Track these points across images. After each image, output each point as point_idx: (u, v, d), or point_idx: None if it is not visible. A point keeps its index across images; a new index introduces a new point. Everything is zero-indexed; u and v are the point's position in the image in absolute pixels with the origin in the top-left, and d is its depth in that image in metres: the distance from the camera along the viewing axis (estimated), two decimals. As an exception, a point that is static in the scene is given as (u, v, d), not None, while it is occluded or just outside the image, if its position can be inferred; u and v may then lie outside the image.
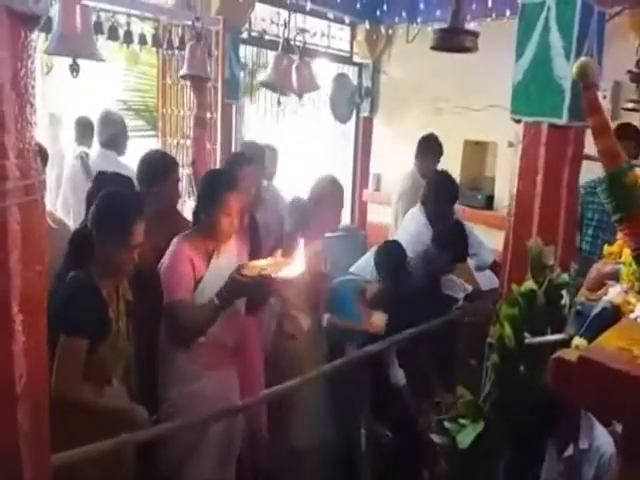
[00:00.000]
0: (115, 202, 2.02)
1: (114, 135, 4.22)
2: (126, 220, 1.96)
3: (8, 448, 1.00)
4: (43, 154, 2.61)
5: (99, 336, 1.92)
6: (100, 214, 1.99)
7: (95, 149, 4.30)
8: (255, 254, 2.64)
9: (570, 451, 2.14)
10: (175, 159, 3.02)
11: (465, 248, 3.13)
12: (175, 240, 2.40)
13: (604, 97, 4.16)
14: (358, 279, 3.29)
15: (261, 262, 2.25)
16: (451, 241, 3.09)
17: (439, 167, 3.78)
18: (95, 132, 4.29)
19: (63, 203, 4.16)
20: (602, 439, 2.18)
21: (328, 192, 2.94)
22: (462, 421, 1.66)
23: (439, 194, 3.52)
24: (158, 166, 2.77)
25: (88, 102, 5.46)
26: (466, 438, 1.62)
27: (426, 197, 3.58)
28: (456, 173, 5.08)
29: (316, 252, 2.82)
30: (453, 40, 3.07)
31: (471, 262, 3.63)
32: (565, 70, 1.96)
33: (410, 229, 3.51)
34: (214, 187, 2.39)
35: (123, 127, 4.35)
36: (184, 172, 4.69)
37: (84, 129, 4.42)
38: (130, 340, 2.11)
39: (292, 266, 2.17)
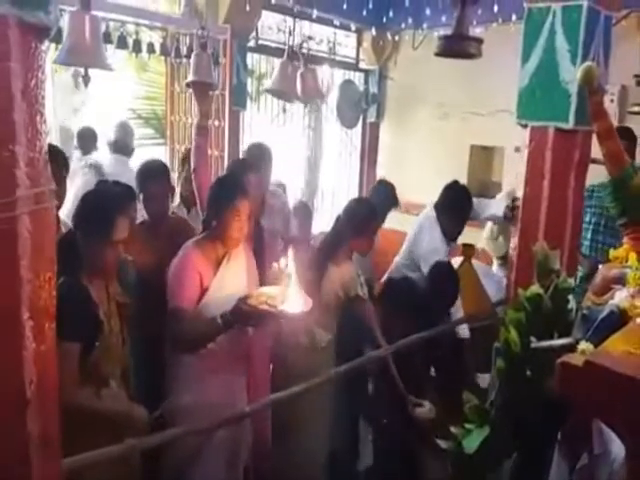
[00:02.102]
0: (95, 198, 2.04)
1: (128, 142, 4.45)
2: (107, 215, 1.96)
3: (18, 453, 1.01)
4: (64, 161, 2.65)
5: (91, 339, 1.92)
6: (82, 212, 2.00)
7: (106, 156, 4.38)
8: (258, 261, 2.65)
9: (585, 460, 2.11)
10: (161, 166, 3.06)
11: (456, 292, 3.08)
12: (185, 246, 2.41)
13: (611, 101, 4.16)
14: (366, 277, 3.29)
15: (270, 290, 2.24)
16: (443, 286, 3.04)
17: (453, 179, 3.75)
18: (111, 139, 4.44)
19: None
20: (615, 443, 2.15)
21: (368, 219, 2.94)
22: (468, 426, 1.66)
23: (454, 209, 3.49)
24: (140, 175, 2.91)
25: (97, 111, 5.53)
26: (472, 443, 1.62)
27: (441, 207, 3.52)
28: (463, 178, 5.10)
29: (350, 275, 2.82)
30: (457, 46, 3.08)
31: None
32: (571, 74, 1.97)
33: (423, 228, 3.52)
34: (225, 193, 2.41)
35: (133, 134, 4.60)
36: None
37: (88, 139, 4.51)
38: (125, 341, 2.11)
39: (299, 301, 2.16)
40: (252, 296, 2.17)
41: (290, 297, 2.14)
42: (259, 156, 3.44)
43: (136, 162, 4.28)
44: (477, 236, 4.15)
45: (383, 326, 2.83)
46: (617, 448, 2.14)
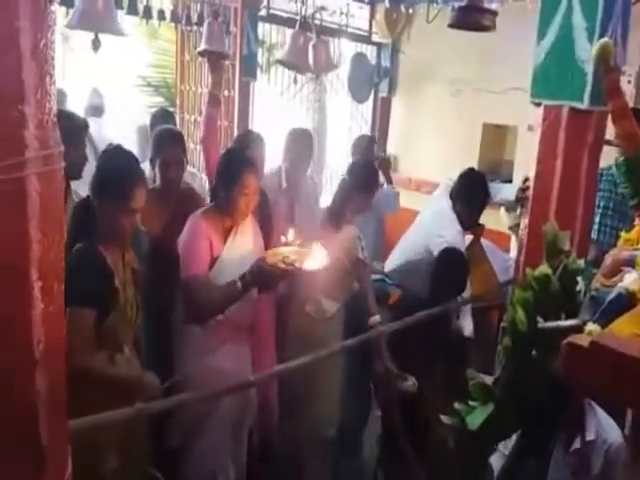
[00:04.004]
0: (114, 167, 2.02)
1: (103, 105, 4.85)
2: (125, 183, 1.96)
3: (26, 412, 1.02)
4: (83, 126, 2.64)
5: (107, 306, 1.93)
6: (99, 179, 2.00)
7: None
8: (264, 231, 2.65)
9: (577, 444, 2.13)
10: (178, 133, 3.04)
11: (465, 280, 3.02)
12: (192, 217, 2.41)
13: (628, 82, 4.09)
14: (384, 282, 3.28)
15: (283, 249, 2.25)
16: (452, 273, 2.98)
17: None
18: (87, 104, 4.76)
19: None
20: (608, 429, 2.17)
21: (367, 175, 3.00)
22: (472, 403, 1.67)
23: (471, 199, 3.39)
24: (159, 140, 2.88)
25: (107, 76, 5.51)
26: (475, 420, 1.63)
27: (457, 197, 3.41)
28: (475, 156, 5.05)
29: (352, 238, 2.82)
30: (471, 18, 3.03)
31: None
32: (588, 53, 1.92)
33: (442, 224, 3.34)
34: (234, 166, 2.40)
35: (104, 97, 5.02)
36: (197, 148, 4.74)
37: (58, 101, 4.53)
38: (139, 308, 2.12)
39: (316, 257, 2.17)
40: (268, 255, 2.18)
41: (307, 254, 2.15)
42: (298, 141, 3.45)
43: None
44: (488, 218, 4.11)
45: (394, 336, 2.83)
46: (611, 435, 2.16)
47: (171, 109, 5.21)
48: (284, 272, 2.15)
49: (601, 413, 2.17)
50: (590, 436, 2.12)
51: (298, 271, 2.16)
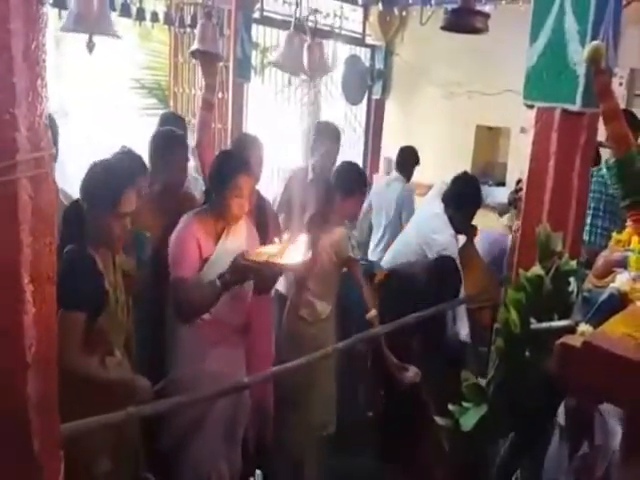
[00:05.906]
0: (104, 170, 2.02)
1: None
2: (114, 187, 1.96)
3: (18, 416, 1.02)
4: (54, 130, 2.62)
5: (97, 308, 1.92)
6: (89, 182, 1.99)
7: None
8: (262, 234, 2.65)
9: (585, 449, 2.12)
10: (182, 136, 3.02)
11: (458, 289, 3.03)
12: (185, 217, 2.41)
13: (620, 84, 4.12)
14: (367, 264, 3.29)
15: (270, 248, 2.26)
16: (445, 278, 2.99)
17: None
18: None
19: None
20: (617, 435, 2.17)
21: (355, 180, 2.99)
22: (466, 404, 1.67)
23: (463, 204, 3.40)
24: (162, 142, 2.87)
25: (99, 79, 5.49)
26: (469, 421, 1.63)
27: (450, 201, 3.41)
28: (468, 158, 5.07)
29: (342, 237, 2.83)
30: (463, 20, 3.05)
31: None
32: (580, 55, 1.93)
33: (436, 228, 3.36)
34: (226, 168, 2.40)
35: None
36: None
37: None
38: (130, 311, 2.12)
39: (295, 252, 2.18)
40: (252, 254, 2.20)
41: (288, 251, 2.17)
42: (326, 135, 3.52)
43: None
44: (483, 219, 4.11)
45: (381, 314, 2.84)
46: (617, 440, 2.16)
47: (165, 110, 5.20)
48: (260, 265, 2.18)
49: (608, 418, 2.17)
50: (598, 440, 2.12)
51: (275, 266, 2.19)
